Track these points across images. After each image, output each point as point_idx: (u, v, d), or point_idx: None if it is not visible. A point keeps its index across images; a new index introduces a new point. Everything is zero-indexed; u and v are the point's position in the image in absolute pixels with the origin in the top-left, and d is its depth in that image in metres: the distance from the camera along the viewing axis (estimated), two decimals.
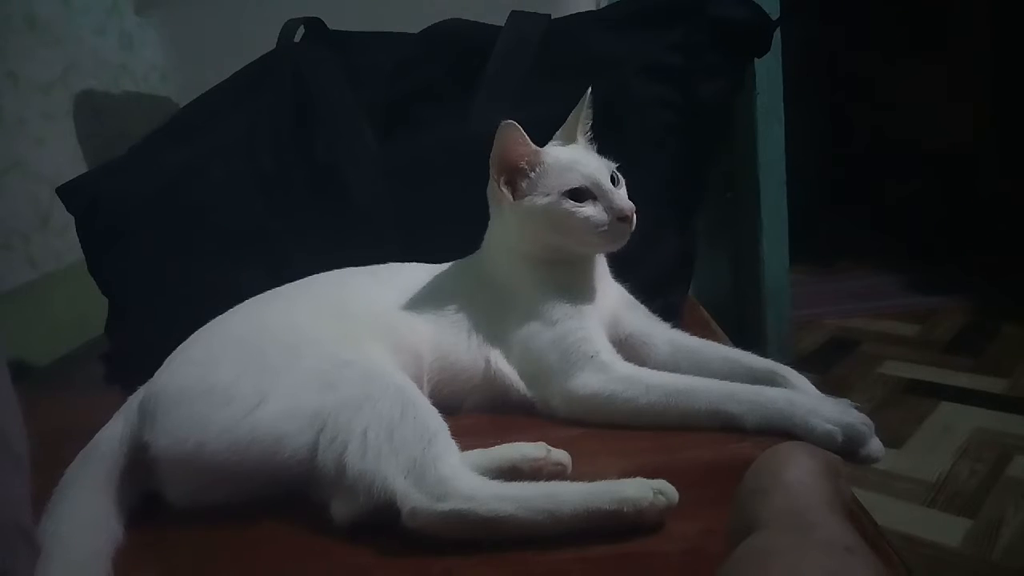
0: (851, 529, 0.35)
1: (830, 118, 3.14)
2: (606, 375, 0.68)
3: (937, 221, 2.66)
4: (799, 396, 0.64)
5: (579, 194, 0.70)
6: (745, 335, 1.72)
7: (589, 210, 0.70)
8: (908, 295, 2.36)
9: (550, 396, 0.70)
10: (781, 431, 0.61)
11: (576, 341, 0.70)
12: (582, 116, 0.76)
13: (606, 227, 0.70)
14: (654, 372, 0.69)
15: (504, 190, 0.73)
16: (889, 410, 1.70)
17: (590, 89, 0.75)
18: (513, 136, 0.70)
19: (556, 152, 0.73)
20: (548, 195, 0.71)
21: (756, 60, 0.98)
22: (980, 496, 1.37)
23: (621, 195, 0.71)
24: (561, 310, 0.71)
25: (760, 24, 0.89)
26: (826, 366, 1.97)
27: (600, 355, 0.69)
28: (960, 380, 1.82)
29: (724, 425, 0.64)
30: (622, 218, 0.70)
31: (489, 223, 0.78)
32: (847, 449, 0.59)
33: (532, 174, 0.72)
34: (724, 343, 0.79)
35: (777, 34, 0.92)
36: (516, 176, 0.72)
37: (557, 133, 0.78)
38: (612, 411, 0.67)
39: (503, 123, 0.69)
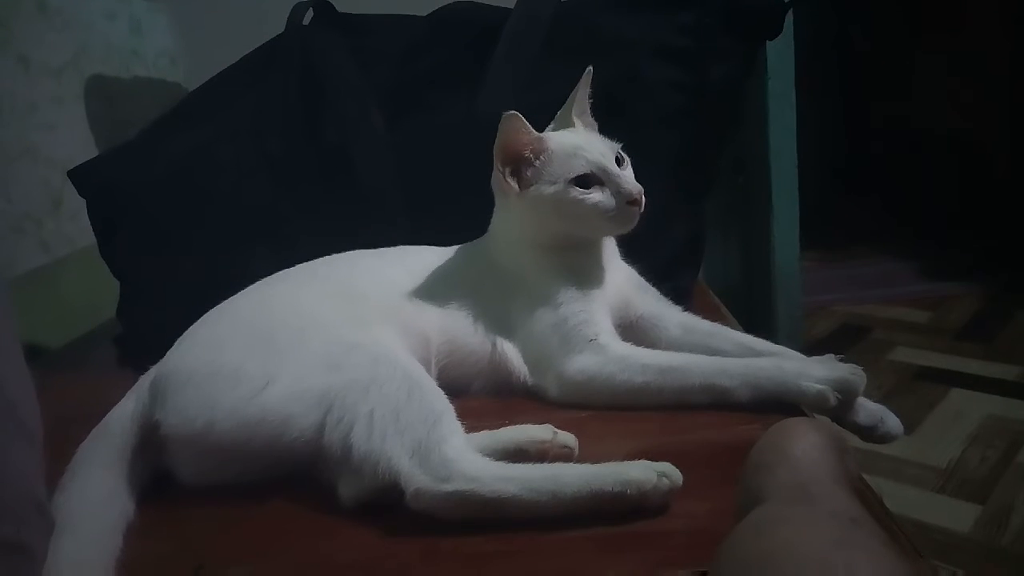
0: (857, 502, 0.34)
1: (842, 103, 3.11)
2: (603, 357, 0.68)
3: (949, 208, 2.64)
4: (788, 362, 0.65)
5: (586, 180, 0.69)
6: (755, 321, 1.71)
7: (597, 196, 0.69)
8: (920, 282, 2.35)
9: (549, 381, 0.70)
10: (775, 399, 0.62)
11: (577, 324, 0.70)
12: (579, 97, 0.75)
13: (615, 212, 0.69)
14: (650, 351, 0.70)
15: (510, 181, 0.72)
16: (900, 397, 1.69)
17: (589, 68, 0.74)
18: (515, 126, 0.69)
19: (559, 138, 0.72)
20: (555, 183, 0.70)
21: (768, 43, 0.97)
22: (990, 482, 1.37)
23: (628, 178, 0.71)
24: (565, 293, 0.71)
25: (772, 6, 0.89)
26: (837, 353, 1.95)
27: (599, 338, 0.69)
28: (971, 367, 1.81)
29: (716, 400, 0.64)
30: (631, 201, 0.69)
31: (494, 211, 0.78)
32: (845, 404, 0.61)
33: (537, 162, 0.71)
34: (734, 328, 0.78)
35: (789, 17, 0.92)
36: (521, 165, 0.72)
37: (557, 115, 0.76)
38: (610, 392, 0.67)
39: (505, 114, 0.68)
